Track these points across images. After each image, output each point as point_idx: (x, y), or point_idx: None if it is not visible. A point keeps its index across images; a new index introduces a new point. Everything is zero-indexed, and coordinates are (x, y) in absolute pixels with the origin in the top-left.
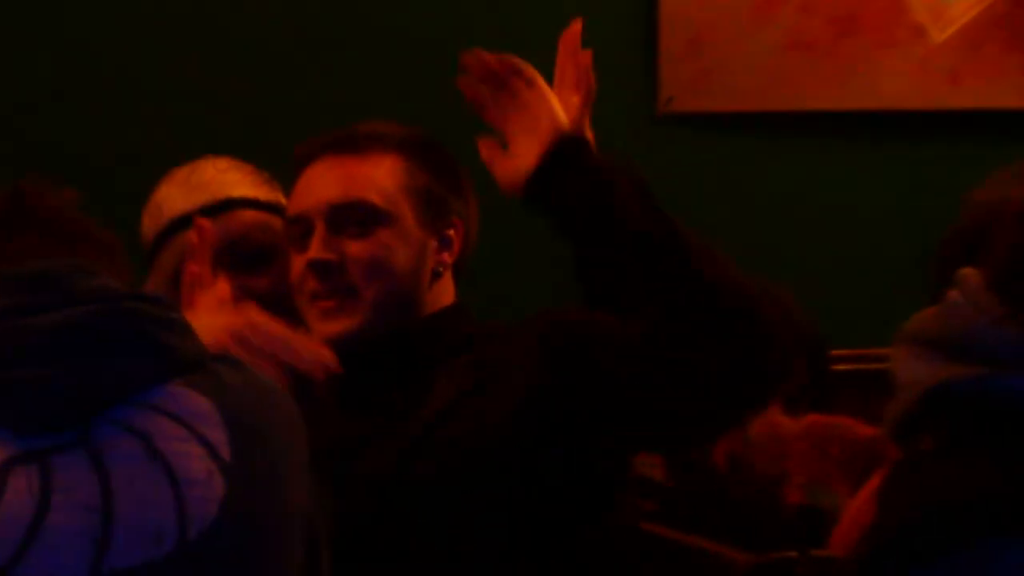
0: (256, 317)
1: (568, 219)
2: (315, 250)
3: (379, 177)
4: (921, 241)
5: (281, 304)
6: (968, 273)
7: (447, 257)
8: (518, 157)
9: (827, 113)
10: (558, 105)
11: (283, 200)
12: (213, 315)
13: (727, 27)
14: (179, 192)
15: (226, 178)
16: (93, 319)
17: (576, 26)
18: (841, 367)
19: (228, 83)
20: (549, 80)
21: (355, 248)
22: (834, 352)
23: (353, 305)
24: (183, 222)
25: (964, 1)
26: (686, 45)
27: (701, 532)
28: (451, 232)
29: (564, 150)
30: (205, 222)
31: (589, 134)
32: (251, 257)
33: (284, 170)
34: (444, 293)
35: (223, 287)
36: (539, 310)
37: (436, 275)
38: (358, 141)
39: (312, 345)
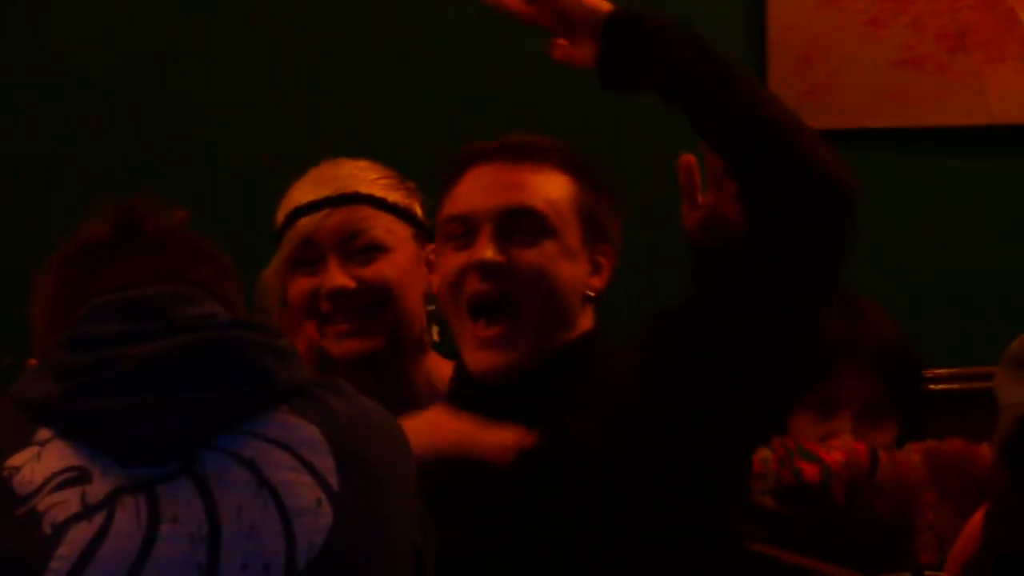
0: (437, 416)
1: (650, 90)
2: (484, 249)
3: (549, 189)
4: None
5: (384, 297)
6: None
7: (597, 283)
8: (582, 52)
9: (938, 129)
10: None
11: (418, 210)
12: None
13: (836, 44)
14: (310, 182)
15: (358, 174)
16: (196, 348)
17: None
18: (944, 386)
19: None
20: None
21: (522, 255)
22: (941, 371)
23: (511, 335)
24: (306, 208)
25: None
26: (795, 62)
27: (812, 554)
28: (602, 259)
29: (612, 34)
30: None
31: None
32: (365, 248)
33: None
34: (588, 318)
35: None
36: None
37: (586, 300)
38: (529, 151)
39: (495, 434)
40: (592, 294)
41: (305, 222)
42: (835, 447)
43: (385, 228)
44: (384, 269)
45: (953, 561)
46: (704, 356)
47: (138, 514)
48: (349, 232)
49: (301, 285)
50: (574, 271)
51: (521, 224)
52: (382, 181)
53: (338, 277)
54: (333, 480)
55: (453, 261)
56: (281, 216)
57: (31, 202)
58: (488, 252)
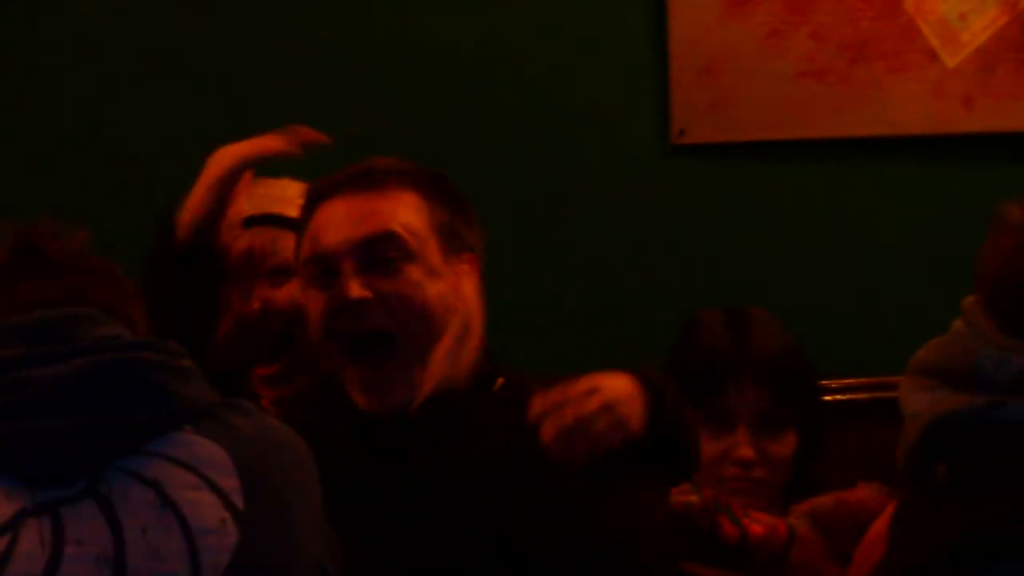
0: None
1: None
2: (353, 288)
3: (402, 212)
4: (935, 267)
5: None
6: (971, 301)
7: (468, 293)
8: None
9: (840, 140)
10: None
11: None
12: None
13: (738, 57)
14: (246, 199)
15: (280, 195)
16: (98, 369)
17: None
18: (850, 396)
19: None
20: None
21: (387, 286)
22: (846, 381)
23: (396, 370)
24: (244, 223)
25: (976, 25)
26: (697, 76)
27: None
28: (466, 268)
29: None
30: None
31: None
32: (277, 271)
33: None
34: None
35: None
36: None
37: (454, 312)
38: (375, 177)
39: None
40: (460, 306)
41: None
42: (758, 519)
43: (292, 249)
44: (294, 291)
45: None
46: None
47: (42, 536)
48: (259, 255)
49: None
50: (441, 289)
51: (380, 253)
52: (297, 201)
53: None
54: (238, 499)
55: (319, 303)
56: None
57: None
58: (352, 290)
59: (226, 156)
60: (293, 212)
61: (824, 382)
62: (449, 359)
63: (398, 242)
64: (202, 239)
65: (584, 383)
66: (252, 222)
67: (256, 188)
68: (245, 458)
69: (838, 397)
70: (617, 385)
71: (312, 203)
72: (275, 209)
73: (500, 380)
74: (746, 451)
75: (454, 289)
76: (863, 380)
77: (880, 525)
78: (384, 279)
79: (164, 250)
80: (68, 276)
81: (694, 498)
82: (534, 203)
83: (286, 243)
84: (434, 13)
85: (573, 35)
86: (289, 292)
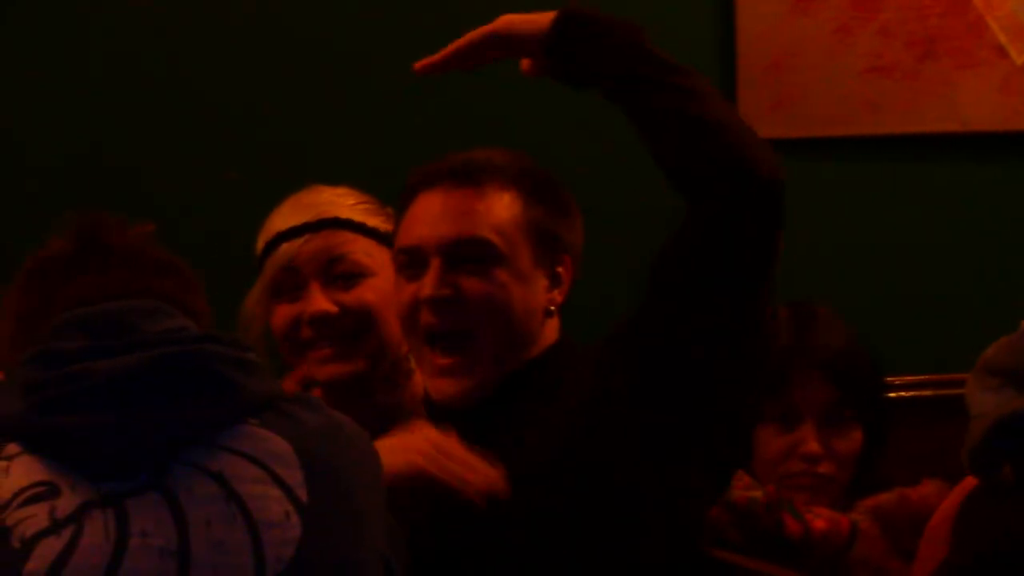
0: (434, 436)
1: (593, 80)
2: (431, 286)
3: (496, 213)
4: (1006, 264)
5: (365, 322)
6: None
7: (558, 296)
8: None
9: (909, 136)
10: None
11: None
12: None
13: (805, 52)
14: (289, 209)
15: (336, 200)
16: (162, 362)
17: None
18: (912, 393)
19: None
20: None
21: (472, 285)
22: (913, 378)
23: (468, 362)
24: (286, 235)
25: None
26: (764, 71)
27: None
28: (561, 270)
29: (558, 34)
30: None
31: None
32: (345, 273)
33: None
34: (551, 331)
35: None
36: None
37: (547, 314)
38: (474, 173)
39: (485, 468)
40: (552, 308)
41: (285, 248)
42: (820, 515)
43: (364, 252)
44: (365, 294)
45: (918, 573)
46: (659, 367)
47: (107, 528)
48: (329, 257)
49: (283, 312)
50: (528, 293)
51: (468, 254)
52: (360, 207)
53: (320, 302)
54: (302, 493)
55: (406, 293)
56: (261, 243)
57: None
58: (436, 288)
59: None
60: (345, 213)
61: (890, 379)
62: (520, 355)
63: (487, 244)
64: None
65: None
66: (308, 228)
67: (297, 199)
68: (310, 452)
69: (903, 394)
70: None
71: (411, 191)
72: (331, 213)
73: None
74: (813, 446)
75: (545, 291)
76: (929, 377)
77: (937, 521)
78: (469, 278)
79: None
80: (132, 268)
81: (758, 494)
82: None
83: (353, 246)
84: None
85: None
86: (359, 295)
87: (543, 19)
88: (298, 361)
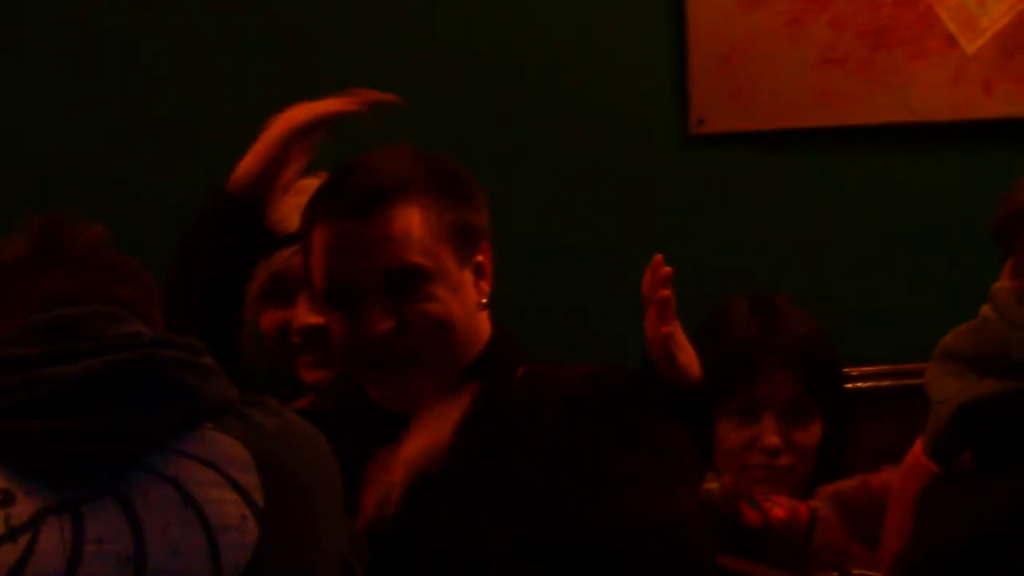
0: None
1: None
2: (373, 322)
3: (414, 234)
4: (958, 253)
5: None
6: (1000, 288)
7: (485, 286)
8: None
9: (861, 127)
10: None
11: None
12: None
13: (757, 45)
14: (287, 212)
15: None
16: (119, 367)
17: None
18: (871, 383)
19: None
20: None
21: (412, 311)
22: (871, 368)
23: (416, 378)
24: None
25: (994, 10)
26: (716, 64)
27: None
28: (481, 258)
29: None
30: None
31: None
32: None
33: None
34: (484, 326)
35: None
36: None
37: (480, 309)
38: (382, 199)
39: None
40: (483, 300)
41: (276, 256)
42: (779, 503)
43: None
44: None
45: (881, 559)
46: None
47: (62, 535)
48: None
49: (272, 318)
50: (462, 297)
51: (400, 281)
52: None
53: (308, 316)
54: (258, 496)
55: (344, 328)
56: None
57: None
58: (378, 322)
59: (290, 116)
60: None
61: (849, 369)
62: (464, 356)
63: (417, 270)
64: (254, 198)
65: None
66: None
67: (294, 201)
68: (266, 455)
69: (861, 385)
70: None
71: (315, 221)
72: None
73: (521, 370)
74: (773, 439)
75: (474, 286)
76: (887, 367)
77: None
78: (408, 305)
79: (213, 209)
80: (89, 272)
81: (714, 486)
82: (553, 193)
83: None
84: (451, 6)
85: (592, 25)
86: None
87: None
88: (287, 361)
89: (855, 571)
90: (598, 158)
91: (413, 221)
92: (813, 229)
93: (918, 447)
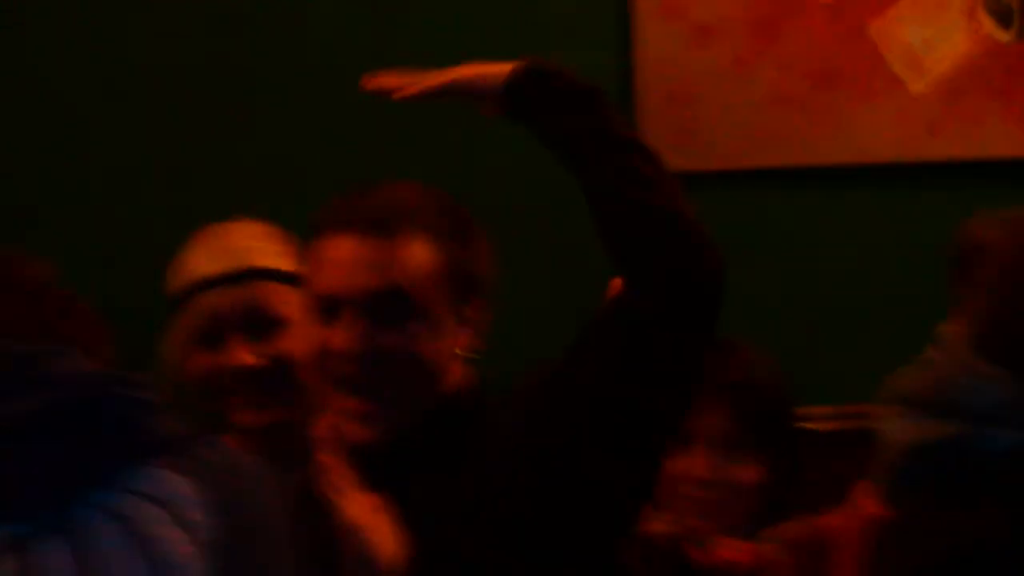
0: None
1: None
2: (345, 339)
3: (411, 264)
4: (904, 293)
5: (286, 372)
6: (948, 330)
7: (468, 339)
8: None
9: (808, 168)
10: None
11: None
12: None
13: (705, 85)
14: (206, 254)
15: (255, 246)
16: (68, 404)
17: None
18: (825, 424)
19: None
20: None
21: (386, 340)
22: (819, 409)
23: (376, 411)
24: (204, 284)
25: (939, 52)
26: (663, 103)
27: None
28: (470, 312)
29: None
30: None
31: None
32: (267, 324)
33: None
34: (456, 375)
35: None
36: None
37: (456, 357)
38: (388, 221)
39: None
40: (460, 351)
41: (205, 299)
42: (725, 544)
43: (284, 301)
44: (285, 343)
45: None
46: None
47: (7, 573)
48: (250, 309)
49: (202, 361)
50: (440, 343)
51: (384, 306)
52: (277, 251)
53: (241, 356)
54: (208, 534)
55: (318, 337)
56: (177, 285)
57: None
58: (349, 340)
59: None
60: (264, 262)
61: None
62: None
63: (404, 298)
64: None
65: None
66: (229, 279)
67: (213, 241)
68: (214, 492)
69: (808, 426)
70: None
71: (322, 230)
72: (250, 262)
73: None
74: (701, 471)
75: (455, 335)
76: (833, 408)
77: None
78: (384, 332)
79: None
80: (38, 308)
81: (660, 526)
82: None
83: (274, 297)
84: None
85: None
86: (280, 345)
87: (503, 72)
88: (215, 406)
89: None
90: (547, 197)
91: (416, 251)
92: (760, 268)
93: (861, 490)
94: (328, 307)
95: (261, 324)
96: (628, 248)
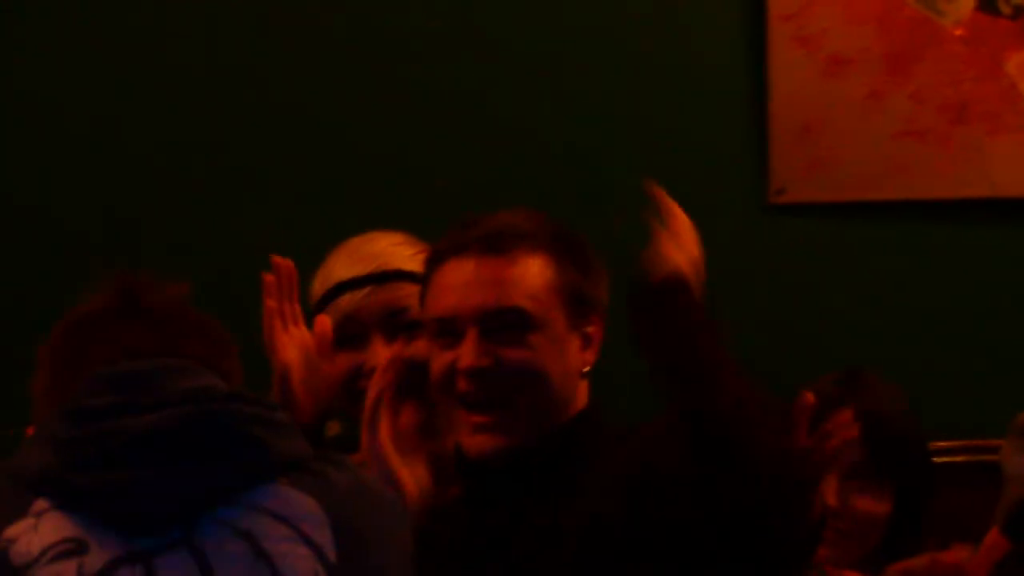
0: None
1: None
2: (470, 356)
3: (529, 281)
4: None
5: (427, 373)
6: None
7: (589, 356)
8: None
9: (940, 201)
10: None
11: None
12: None
13: (838, 116)
14: (347, 259)
15: (395, 251)
16: (191, 420)
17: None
18: (952, 458)
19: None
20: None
21: (509, 354)
22: (946, 443)
23: (507, 421)
24: (348, 285)
25: None
26: (797, 134)
27: None
28: (591, 330)
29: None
30: (283, 261)
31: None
32: (408, 327)
33: None
34: (582, 394)
35: (305, 335)
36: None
37: (581, 377)
38: (505, 241)
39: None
40: (585, 370)
41: (347, 299)
42: None
43: None
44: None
45: None
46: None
47: None
48: (392, 310)
49: (344, 361)
50: (563, 357)
51: (504, 323)
52: (418, 257)
53: (383, 355)
54: (331, 553)
55: (441, 360)
56: (319, 290)
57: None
58: (475, 358)
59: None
60: (407, 265)
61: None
62: (556, 416)
63: (523, 314)
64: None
65: None
66: (371, 280)
67: (355, 248)
68: (338, 512)
69: (936, 459)
70: None
71: (439, 258)
72: (393, 265)
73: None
74: (830, 499)
75: (578, 352)
76: (964, 442)
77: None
78: (507, 347)
79: None
80: (165, 328)
81: None
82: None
83: (414, 299)
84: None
85: (675, 93)
86: (422, 346)
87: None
88: (353, 408)
89: None
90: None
91: (532, 269)
92: (891, 300)
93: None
94: (448, 329)
95: (401, 324)
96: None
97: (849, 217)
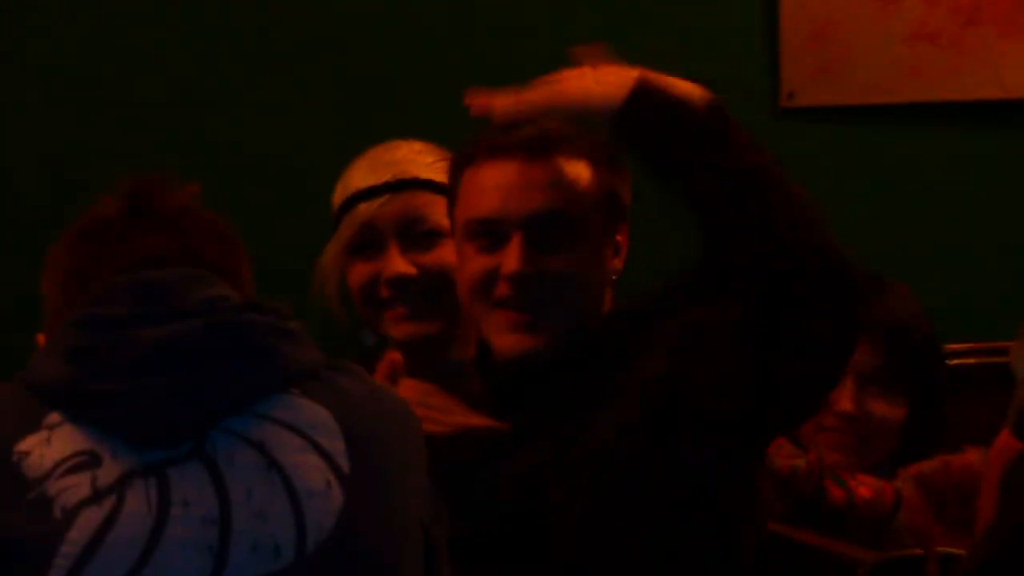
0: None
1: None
2: (516, 262)
3: (574, 186)
4: None
5: (443, 283)
6: None
7: (618, 263)
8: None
9: (951, 104)
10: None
11: None
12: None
13: (849, 20)
14: (368, 167)
15: (415, 159)
16: (205, 331)
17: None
18: (963, 361)
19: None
20: None
21: (553, 263)
22: (957, 346)
23: (543, 323)
24: (365, 193)
25: None
26: (808, 39)
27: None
28: (620, 238)
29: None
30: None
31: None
32: (425, 236)
33: None
34: (607, 298)
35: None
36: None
37: (609, 283)
38: (548, 145)
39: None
40: (615, 277)
41: (364, 207)
42: (864, 482)
43: (443, 213)
44: (444, 254)
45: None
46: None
47: (148, 498)
48: (409, 218)
49: (361, 270)
50: (599, 266)
51: (551, 229)
52: (439, 165)
53: (399, 264)
54: (343, 462)
55: (479, 264)
56: (338, 199)
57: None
58: (520, 263)
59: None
60: (426, 174)
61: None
62: (586, 322)
63: (569, 220)
64: None
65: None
66: (389, 188)
67: (374, 156)
68: (351, 421)
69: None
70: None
71: (472, 160)
72: (411, 173)
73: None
74: (847, 405)
75: (610, 260)
76: (974, 344)
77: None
78: (551, 255)
79: None
80: (180, 231)
81: (800, 462)
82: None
83: (432, 207)
84: None
85: None
86: (439, 256)
87: (616, 93)
88: (374, 318)
89: (938, 548)
90: None
91: (578, 173)
92: (901, 204)
93: (1007, 429)
94: (490, 231)
95: (418, 233)
96: (759, 258)
97: (860, 121)
